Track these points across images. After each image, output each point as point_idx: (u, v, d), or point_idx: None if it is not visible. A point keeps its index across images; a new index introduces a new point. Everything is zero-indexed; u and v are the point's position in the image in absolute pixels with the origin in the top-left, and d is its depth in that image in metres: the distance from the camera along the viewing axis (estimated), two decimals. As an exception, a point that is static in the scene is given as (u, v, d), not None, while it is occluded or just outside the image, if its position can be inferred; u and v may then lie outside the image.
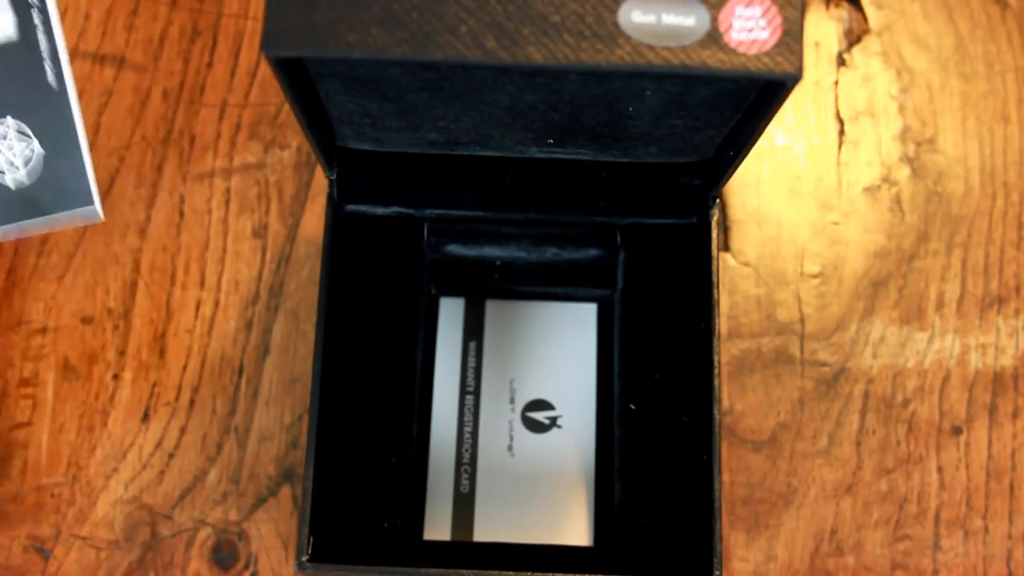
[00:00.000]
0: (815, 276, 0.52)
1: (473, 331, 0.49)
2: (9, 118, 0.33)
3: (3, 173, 0.33)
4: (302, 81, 0.36)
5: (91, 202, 0.33)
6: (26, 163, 0.33)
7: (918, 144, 0.54)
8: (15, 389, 0.50)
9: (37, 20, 0.33)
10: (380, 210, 0.47)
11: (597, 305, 0.50)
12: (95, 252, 0.51)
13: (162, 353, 0.50)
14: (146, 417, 0.50)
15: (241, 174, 0.53)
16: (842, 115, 0.54)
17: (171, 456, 0.49)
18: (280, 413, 0.50)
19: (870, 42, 0.55)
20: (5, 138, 0.33)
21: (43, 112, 0.33)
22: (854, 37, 0.55)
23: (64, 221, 0.34)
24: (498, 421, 0.48)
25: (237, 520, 0.49)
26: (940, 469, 0.50)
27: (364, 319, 0.48)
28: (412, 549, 0.46)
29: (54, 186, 0.33)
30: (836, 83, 0.55)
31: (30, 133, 0.33)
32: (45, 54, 0.33)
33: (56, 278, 0.51)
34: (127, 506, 0.49)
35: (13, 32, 0.34)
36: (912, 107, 0.54)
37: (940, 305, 0.52)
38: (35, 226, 0.34)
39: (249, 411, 0.50)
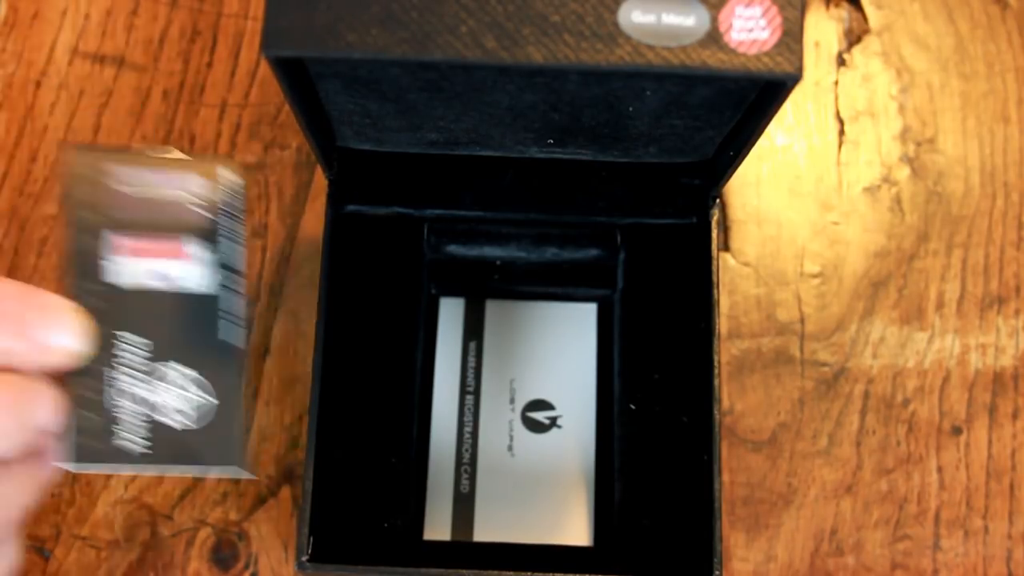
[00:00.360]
0: (815, 276, 0.52)
1: (473, 331, 0.49)
2: (188, 369, 0.35)
3: (170, 416, 0.35)
4: (302, 81, 0.36)
5: (241, 464, 0.34)
6: (195, 411, 0.35)
7: (918, 144, 0.54)
8: (15, 389, 0.50)
9: (231, 283, 0.36)
10: (380, 210, 0.47)
11: (597, 305, 0.50)
12: (95, 252, 0.51)
13: (162, 353, 0.50)
14: (146, 417, 0.50)
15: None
16: (842, 115, 0.54)
17: (171, 456, 0.49)
18: (280, 413, 0.50)
19: (870, 42, 0.55)
20: (181, 384, 0.35)
21: (215, 367, 0.36)
22: (854, 37, 0.55)
23: (208, 471, 0.36)
24: (498, 421, 0.48)
25: (237, 520, 0.49)
26: (940, 469, 0.50)
27: (364, 319, 0.48)
28: (412, 549, 0.46)
29: (211, 439, 0.35)
30: (836, 83, 0.55)
31: (204, 384, 0.36)
32: (231, 314, 0.37)
33: (57, 278, 0.51)
34: (127, 506, 0.49)
35: (209, 286, 0.36)
36: (912, 107, 0.54)
37: (940, 305, 0.52)
38: (182, 470, 0.36)
39: (249, 411, 0.50)
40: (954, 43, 0.55)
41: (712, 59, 0.31)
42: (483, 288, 0.50)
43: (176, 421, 0.34)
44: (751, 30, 0.31)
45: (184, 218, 0.35)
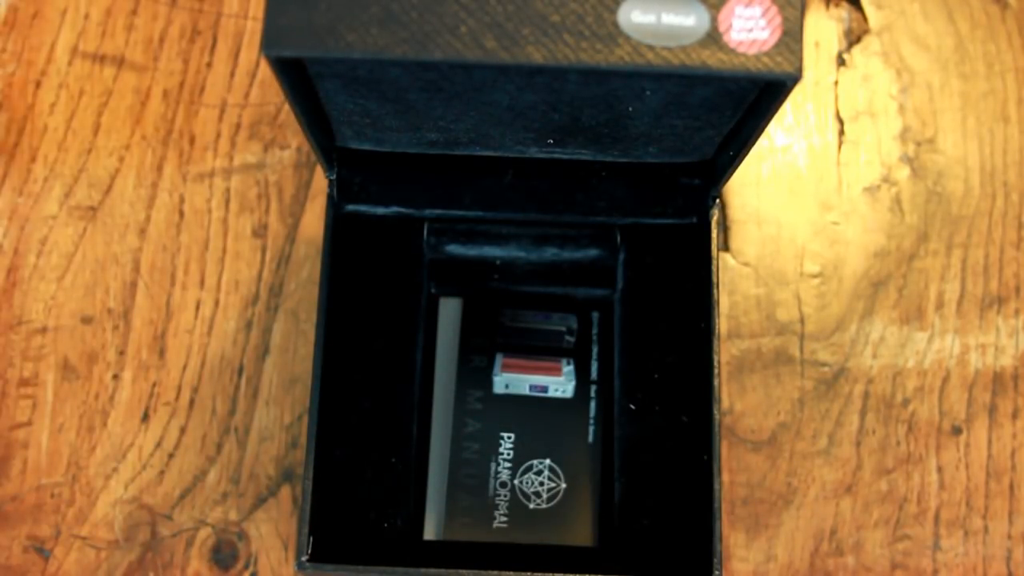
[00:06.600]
0: (815, 276, 0.52)
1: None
2: (549, 460, 0.46)
3: (530, 499, 0.46)
4: (302, 81, 0.36)
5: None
6: (550, 497, 0.46)
7: (918, 144, 0.54)
8: (15, 389, 0.50)
9: (592, 392, 0.47)
10: (380, 210, 0.47)
11: (597, 306, 0.50)
12: (95, 252, 0.51)
13: (162, 353, 0.51)
14: (146, 417, 0.50)
15: (241, 174, 0.53)
16: (842, 115, 0.54)
17: (171, 456, 0.49)
18: (280, 413, 0.50)
19: (870, 42, 0.55)
20: (540, 473, 0.46)
21: (575, 460, 0.47)
22: (854, 37, 0.55)
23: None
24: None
25: (237, 520, 0.49)
26: (940, 469, 0.50)
27: (364, 319, 0.48)
28: (412, 549, 0.46)
29: (560, 519, 0.46)
30: (836, 83, 0.55)
31: (560, 474, 0.46)
32: (592, 416, 0.47)
33: (56, 278, 0.51)
34: (127, 506, 0.49)
35: (571, 392, 0.47)
36: (912, 107, 0.54)
37: (940, 305, 0.52)
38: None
39: (249, 411, 0.50)
40: (954, 43, 0.55)
41: (712, 59, 0.31)
42: (483, 288, 0.50)
43: (536, 504, 0.45)
44: (751, 30, 0.31)
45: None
